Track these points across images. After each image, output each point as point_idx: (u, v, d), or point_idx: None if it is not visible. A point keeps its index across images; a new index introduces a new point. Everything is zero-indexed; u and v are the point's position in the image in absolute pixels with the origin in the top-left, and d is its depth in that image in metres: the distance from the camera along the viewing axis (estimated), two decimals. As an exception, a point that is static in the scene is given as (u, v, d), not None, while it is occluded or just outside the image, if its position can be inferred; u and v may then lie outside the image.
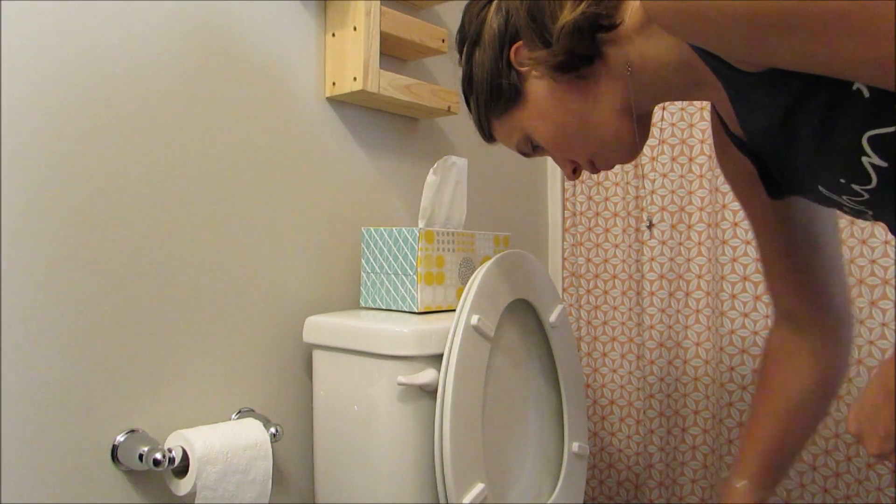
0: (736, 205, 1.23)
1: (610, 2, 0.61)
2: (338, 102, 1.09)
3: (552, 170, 1.57)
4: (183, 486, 0.82)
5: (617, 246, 1.45)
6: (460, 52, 0.75)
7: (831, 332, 0.77)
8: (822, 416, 0.80)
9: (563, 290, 1.54)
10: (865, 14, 0.37)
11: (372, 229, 1.04)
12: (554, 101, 0.67)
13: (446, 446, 0.85)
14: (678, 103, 1.35)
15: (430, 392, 0.89)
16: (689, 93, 0.64)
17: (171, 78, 0.88)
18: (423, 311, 0.98)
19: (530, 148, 0.74)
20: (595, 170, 0.71)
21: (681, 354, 1.36)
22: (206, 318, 0.92)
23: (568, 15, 0.60)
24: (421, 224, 1.02)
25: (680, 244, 1.35)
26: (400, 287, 1.00)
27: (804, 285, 0.76)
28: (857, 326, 1.14)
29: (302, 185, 1.03)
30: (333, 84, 1.05)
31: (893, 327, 1.10)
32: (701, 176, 1.34)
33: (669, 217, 1.35)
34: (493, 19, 0.68)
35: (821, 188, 0.57)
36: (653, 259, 1.36)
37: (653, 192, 1.36)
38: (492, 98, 0.71)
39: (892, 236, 0.74)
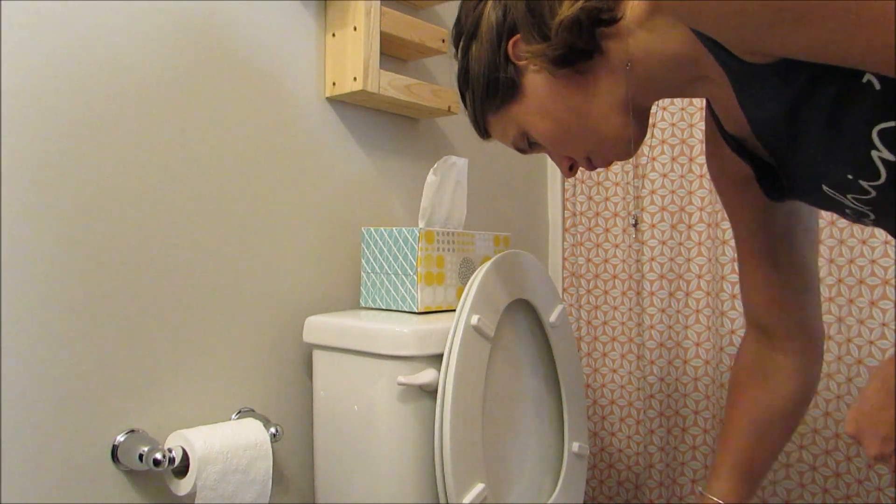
0: (736, 205, 1.22)
1: None
2: (338, 102, 1.09)
3: (552, 170, 1.57)
4: (183, 486, 0.82)
5: (617, 246, 1.45)
6: (456, 47, 0.74)
7: (804, 349, 0.78)
8: (794, 429, 0.81)
9: (563, 290, 1.54)
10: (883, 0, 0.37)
11: (372, 229, 1.04)
12: (552, 96, 0.66)
13: (446, 446, 0.85)
14: (678, 103, 1.35)
15: (430, 392, 0.89)
16: (689, 89, 0.63)
17: (171, 78, 0.88)
18: (423, 311, 0.98)
19: (526, 144, 0.72)
20: (592, 167, 0.70)
21: (681, 354, 1.36)
22: (206, 318, 0.92)
23: (567, 9, 0.59)
24: (421, 224, 1.02)
25: (680, 244, 1.35)
26: (400, 287, 1.00)
27: (781, 300, 0.76)
28: (857, 326, 1.14)
29: (302, 185, 1.03)
30: (333, 84, 1.05)
31: (893, 327, 1.10)
32: (701, 176, 1.33)
33: (669, 217, 1.35)
34: (491, 13, 0.67)
35: (825, 188, 0.56)
36: (653, 259, 1.36)
37: (653, 192, 1.36)
38: (488, 92, 0.70)
39: (893, 237, 0.73)
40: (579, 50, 0.61)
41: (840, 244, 1.16)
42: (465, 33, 0.71)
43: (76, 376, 0.79)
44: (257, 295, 0.97)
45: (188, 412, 0.90)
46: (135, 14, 0.84)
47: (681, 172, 1.35)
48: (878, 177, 0.50)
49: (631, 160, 1.40)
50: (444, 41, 1.16)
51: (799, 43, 0.43)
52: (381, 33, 1.05)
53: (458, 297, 1.03)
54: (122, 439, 0.82)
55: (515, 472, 1.02)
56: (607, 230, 1.46)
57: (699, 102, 1.32)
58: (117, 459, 0.82)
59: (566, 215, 1.54)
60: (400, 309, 1.00)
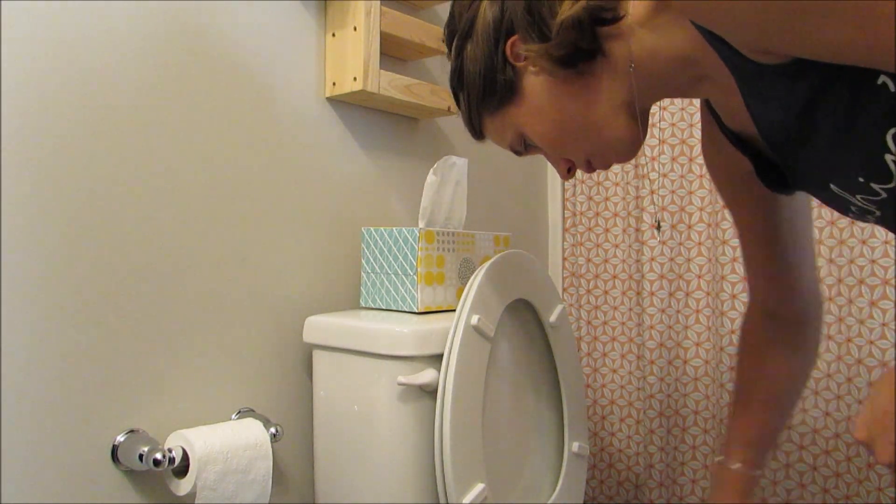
0: (736, 205, 1.23)
1: None
2: (338, 102, 1.09)
3: (552, 170, 1.57)
4: (183, 486, 0.82)
5: (617, 246, 1.45)
6: (449, 46, 0.71)
7: (803, 316, 0.80)
8: (800, 395, 0.84)
9: (563, 290, 1.54)
10: None
11: (372, 229, 1.04)
12: (552, 97, 0.64)
13: (446, 446, 0.85)
14: (678, 103, 1.35)
15: (430, 392, 0.89)
16: (692, 88, 0.62)
17: (171, 78, 0.88)
18: (423, 311, 0.98)
19: (523, 146, 0.71)
20: (591, 169, 0.69)
21: (681, 354, 1.36)
22: (207, 318, 0.92)
23: (568, 8, 0.58)
24: (421, 224, 1.02)
25: (680, 244, 1.35)
26: (400, 287, 1.00)
27: (781, 277, 0.78)
28: (857, 326, 1.14)
29: (302, 185, 1.03)
30: (333, 84, 1.05)
31: (893, 327, 1.10)
32: (701, 176, 1.33)
33: (669, 217, 1.35)
34: (488, 11, 0.65)
35: (833, 186, 0.55)
36: (653, 259, 1.36)
37: (653, 192, 1.36)
38: (485, 93, 0.68)
39: (893, 235, 0.74)
40: (582, 50, 0.60)
41: (840, 244, 1.16)
42: (458, 32, 0.69)
43: (76, 376, 0.79)
44: (257, 295, 0.97)
45: (188, 412, 0.90)
46: (135, 14, 0.84)
47: (681, 172, 1.35)
48: (891, 179, 0.49)
49: (631, 161, 1.40)
50: (444, 41, 1.16)
51: (822, 40, 0.42)
52: (381, 33, 1.05)
53: (458, 297, 1.03)
54: (122, 439, 0.82)
55: (515, 472, 1.02)
56: (607, 230, 1.46)
57: (700, 103, 1.32)
58: (117, 459, 0.82)
59: (566, 215, 1.54)
60: (400, 309, 1.00)
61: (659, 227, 1.36)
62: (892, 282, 1.11)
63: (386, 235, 1.02)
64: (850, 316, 1.14)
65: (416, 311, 0.98)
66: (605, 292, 1.46)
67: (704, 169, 1.33)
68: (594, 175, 1.48)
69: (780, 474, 1.22)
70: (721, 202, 1.27)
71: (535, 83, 0.65)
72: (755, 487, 0.82)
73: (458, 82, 0.71)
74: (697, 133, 1.33)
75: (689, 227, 1.34)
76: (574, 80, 0.62)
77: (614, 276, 1.44)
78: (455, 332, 0.89)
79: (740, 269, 1.24)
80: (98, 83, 0.81)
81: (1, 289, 0.73)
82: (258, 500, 0.87)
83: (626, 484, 1.43)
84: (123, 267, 0.83)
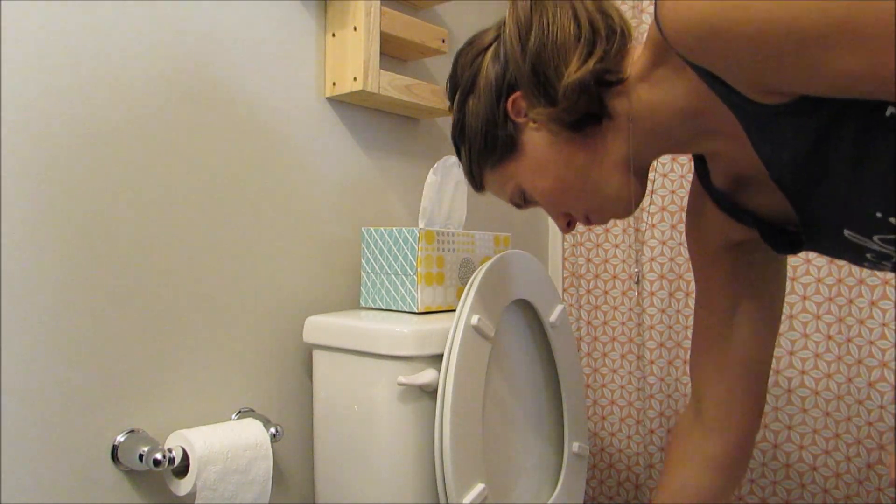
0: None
1: (616, 56, 0.59)
2: (338, 102, 1.09)
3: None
4: (183, 487, 0.82)
5: (617, 246, 1.45)
6: (452, 100, 0.72)
7: (735, 442, 0.76)
8: (726, 498, 0.79)
9: (563, 290, 1.54)
10: None
11: (372, 229, 1.04)
12: (553, 154, 0.64)
13: (446, 446, 0.85)
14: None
15: (430, 392, 0.89)
16: (695, 142, 0.62)
17: (171, 78, 0.88)
18: (423, 311, 0.98)
19: (523, 200, 0.71)
20: (589, 223, 0.69)
21: (681, 354, 1.35)
22: (207, 319, 0.92)
23: (574, 71, 0.58)
24: (421, 224, 1.02)
25: (680, 244, 1.35)
26: (400, 287, 1.00)
27: (727, 377, 0.74)
28: (857, 326, 1.14)
29: (302, 186, 1.03)
30: (333, 84, 1.05)
31: (893, 327, 1.10)
32: (701, 176, 1.33)
33: (669, 217, 1.35)
34: (490, 68, 0.66)
35: (846, 232, 0.54)
36: (653, 259, 1.36)
37: (653, 192, 1.36)
38: (486, 148, 0.68)
39: None
40: (590, 115, 0.60)
41: (840, 244, 1.16)
42: (461, 87, 0.69)
43: (76, 376, 0.79)
44: (257, 295, 0.97)
45: (188, 412, 0.90)
46: (134, 15, 0.84)
47: (681, 172, 1.35)
48: None
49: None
50: (444, 41, 1.16)
51: (824, 74, 0.41)
52: (381, 33, 1.05)
53: (458, 297, 1.03)
54: (122, 439, 0.82)
55: (515, 472, 1.02)
56: (607, 230, 1.46)
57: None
58: (117, 459, 0.82)
59: (566, 215, 1.54)
60: (400, 309, 1.00)
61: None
62: (892, 282, 1.11)
63: (386, 235, 1.02)
64: (850, 316, 1.14)
65: (416, 311, 0.98)
66: (605, 292, 1.46)
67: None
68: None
69: (780, 474, 1.22)
70: None
71: (536, 139, 0.65)
72: None
73: (460, 136, 0.72)
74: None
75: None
76: (575, 139, 0.63)
77: (614, 277, 1.44)
78: (455, 332, 0.89)
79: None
80: (97, 81, 0.81)
81: (1, 289, 0.73)
82: (258, 500, 0.87)
83: (626, 484, 1.43)
84: (123, 267, 0.83)
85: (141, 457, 0.79)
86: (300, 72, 1.03)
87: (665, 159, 1.35)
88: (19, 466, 0.75)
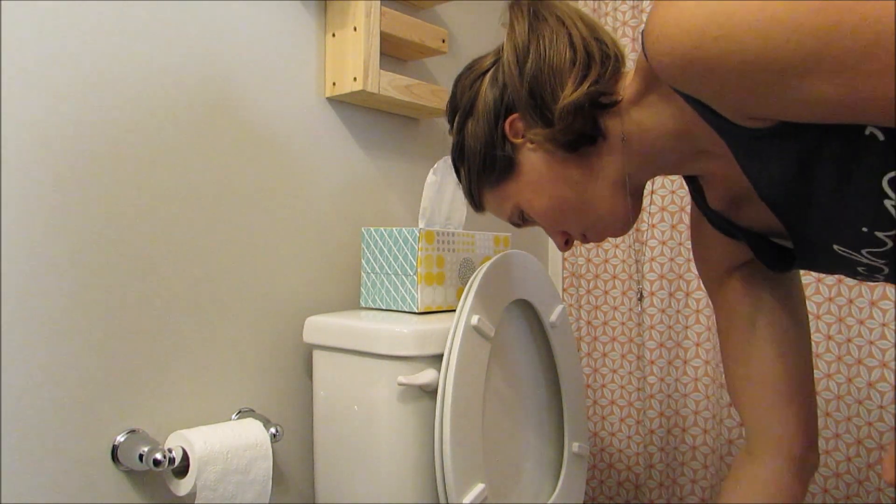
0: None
1: (609, 80, 0.61)
2: (338, 102, 1.09)
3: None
4: (183, 487, 0.82)
5: (617, 246, 1.45)
6: (451, 122, 0.75)
7: (786, 462, 0.71)
8: None
9: (563, 290, 1.54)
10: (891, 52, 0.37)
11: (372, 229, 1.04)
12: (550, 174, 0.66)
13: (446, 446, 0.85)
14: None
15: (430, 392, 0.89)
16: (689, 164, 0.63)
17: (170, 79, 0.88)
18: (423, 311, 0.98)
19: (521, 219, 0.73)
20: (586, 241, 0.71)
21: (681, 354, 1.36)
22: (207, 318, 0.92)
23: (570, 94, 0.60)
24: (421, 224, 1.02)
25: (680, 244, 1.35)
26: (400, 287, 1.00)
27: (764, 405, 0.71)
28: (857, 326, 1.14)
29: (302, 186, 1.03)
30: (333, 84, 1.05)
31: (893, 327, 1.10)
32: (701, 176, 1.33)
33: (669, 217, 1.35)
34: (489, 91, 0.68)
35: (836, 247, 0.55)
36: (653, 259, 1.36)
37: (653, 192, 1.36)
38: (485, 169, 0.70)
39: None
40: (585, 136, 0.62)
41: (840, 244, 1.16)
42: (460, 109, 0.72)
43: (76, 376, 0.79)
44: (257, 295, 0.97)
45: (188, 412, 0.90)
46: (134, 16, 0.84)
47: (681, 172, 1.35)
48: (894, 225, 0.49)
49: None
50: (444, 41, 1.16)
51: (803, 102, 0.43)
52: (381, 33, 1.05)
53: (458, 297, 1.03)
54: (122, 439, 0.82)
55: (515, 472, 1.02)
56: (607, 230, 1.46)
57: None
58: (117, 459, 0.82)
59: (566, 215, 1.54)
60: (400, 309, 1.00)
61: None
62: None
63: (386, 235, 1.02)
64: (850, 316, 1.14)
65: (416, 311, 0.98)
66: (605, 292, 1.46)
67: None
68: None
69: (780, 474, 1.22)
70: None
71: (533, 159, 0.67)
72: None
73: (460, 157, 0.74)
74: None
75: (690, 227, 1.34)
76: (571, 159, 0.65)
77: (614, 277, 1.44)
78: (455, 332, 0.89)
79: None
80: (98, 82, 0.81)
81: (1, 289, 0.73)
82: (258, 500, 0.87)
83: (626, 484, 1.43)
84: (123, 267, 0.83)
85: (141, 457, 0.79)
86: (300, 72, 1.03)
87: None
88: (19, 466, 0.75)
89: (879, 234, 0.51)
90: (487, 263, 0.96)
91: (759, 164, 0.53)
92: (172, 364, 0.88)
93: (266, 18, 0.98)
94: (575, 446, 1.09)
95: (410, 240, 0.99)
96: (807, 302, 1.18)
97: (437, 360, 0.89)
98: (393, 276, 1.01)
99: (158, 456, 0.78)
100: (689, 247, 1.34)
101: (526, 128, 0.66)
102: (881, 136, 0.45)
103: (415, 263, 0.98)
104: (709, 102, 0.51)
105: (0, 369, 0.73)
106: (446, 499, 0.86)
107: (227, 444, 0.84)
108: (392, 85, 1.06)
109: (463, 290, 0.96)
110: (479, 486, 0.89)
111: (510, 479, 1.01)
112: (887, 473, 0.52)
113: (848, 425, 1.14)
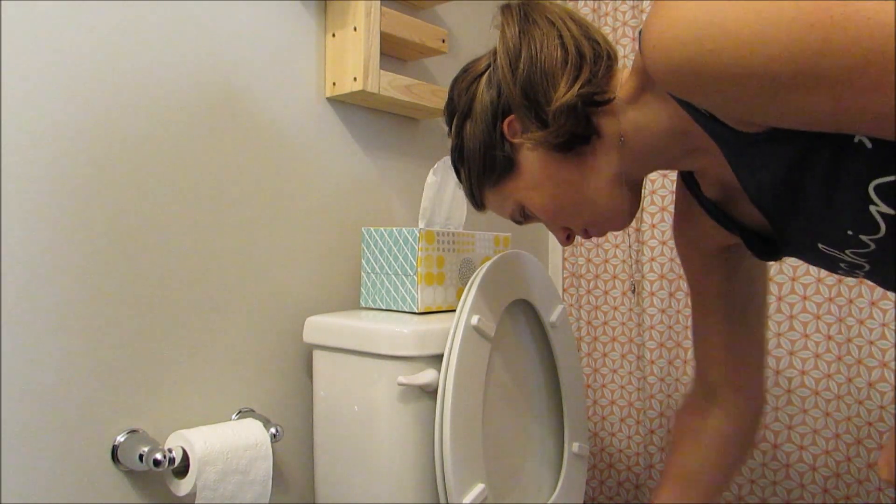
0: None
1: (602, 78, 0.62)
2: (338, 102, 1.09)
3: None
4: (183, 487, 0.82)
5: (617, 246, 1.45)
6: (449, 125, 0.76)
7: (746, 405, 0.81)
8: (731, 476, 0.85)
9: (563, 290, 1.54)
10: (885, 67, 0.37)
11: (372, 229, 1.04)
12: (548, 172, 0.67)
13: (446, 446, 0.85)
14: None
15: (430, 392, 0.89)
16: (685, 160, 0.64)
17: (170, 79, 0.88)
18: (423, 311, 0.98)
19: (523, 216, 0.74)
20: (588, 236, 0.73)
21: (681, 354, 1.35)
22: (207, 319, 0.92)
23: (562, 95, 0.61)
24: (421, 224, 1.02)
25: (680, 244, 1.35)
26: (400, 287, 1.00)
27: (731, 360, 0.79)
28: (857, 326, 1.14)
29: (302, 186, 1.03)
30: (333, 84, 1.05)
31: (893, 327, 1.10)
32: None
33: (669, 217, 1.35)
34: (485, 93, 0.69)
35: (821, 246, 0.57)
36: (653, 259, 1.36)
37: (653, 192, 1.36)
38: (485, 169, 0.72)
39: (884, 288, 0.75)
40: (579, 136, 0.63)
41: (840, 244, 1.16)
42: (458, 112, 0.73)
43: (77, 376, 0.79)
44: (258, 295, 0.97)
45: (188, 412, 0.90)
46: (134, 16, 0.84)
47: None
48: (878, 230, 0.50)
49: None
50: (443, 41, 1.16)
51: (795, 112, 0.44)
52: (381, 33, 1.05)
53: (459, 297, 1.03)
54: (122, 439, 0.82)
55: (515, 472, 1.02)
56: (607, 230, 1.46)
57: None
58: (117, 459, 0.82)
59: (566, 215, 1.54)
60: (400, 309, 1.00)
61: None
62: (892, 282, 1.11)
63: (386, 235, 1.02)
64: (850, 316, 1.14)
65: (416, 311, 0.98)
66: (605, 292, 1.46)
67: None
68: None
69: (781, 474, 1.22)
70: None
71: (532, 159, 0.68)
72: None
73: (459, 158, 0.75)
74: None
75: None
76: (568, 157, 0.66)
77: (614, 277, 1.44)
78: (455, 332, 0.89)
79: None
80: (98, 81, 0.81)
81: (1, 289, 0.73)
82: (258, 500, 0.87)
83: (626, 484, 1.43)
84: (123, 267, 0.83)
85: (141, 457, 0.79)
86: (300, 72, 1.03)
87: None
88: (19, 466, 0.75)
89: (864, 238, 0.52)
90: (487, 263, 0.96)
91: (751, 167, 0.54)
92: (172, 364, 0.88)
93: (266, 18, 0.98)
94: (575, 446, 1.09)
95: (410, 240, 0.99)
96: (807, 302, 1.18)
97: (437, 360, 0.89)
98: (393, 276, 1.01)
99: (158, 456, 0.78)
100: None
101: (523, 129, 0.66)
102: (869, 145, 0.46)
103: (415, 263, 0.98)
104: (704, 108, 0.52)
105: (0, 369, 0.73)
106: (446, 499, 0.86)
107: (227, 444, 0.84)
108: (392, 85, 1.06)
109: (463, 291, 0.96)
110: (479, 486, 0.89)
111: (510, 480, 1.01)
112: (882, 471, 0.53)
113: (848, 425, 1.14)
